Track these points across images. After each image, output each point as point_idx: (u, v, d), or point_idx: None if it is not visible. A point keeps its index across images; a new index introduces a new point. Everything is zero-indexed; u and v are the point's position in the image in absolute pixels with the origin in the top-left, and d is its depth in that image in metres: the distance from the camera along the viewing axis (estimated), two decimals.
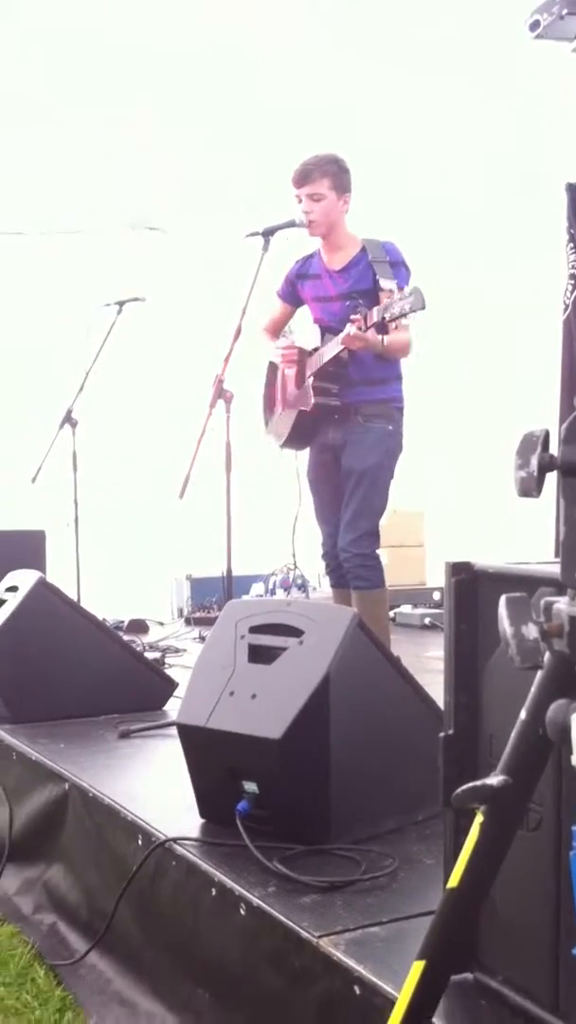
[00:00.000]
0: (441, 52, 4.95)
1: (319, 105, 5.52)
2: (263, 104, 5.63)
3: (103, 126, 5.88)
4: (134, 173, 6.34)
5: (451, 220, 6.28)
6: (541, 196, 5.46)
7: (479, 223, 6.23)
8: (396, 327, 3.69)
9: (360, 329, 3.74)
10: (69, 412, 5.23)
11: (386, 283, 3.85)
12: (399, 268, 3.98)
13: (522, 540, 5.14)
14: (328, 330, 4.07)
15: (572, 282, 5.09)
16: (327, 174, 3.98)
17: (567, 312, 5.17)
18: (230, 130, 5.93)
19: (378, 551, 4.09)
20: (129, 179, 6.42)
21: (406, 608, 6.31)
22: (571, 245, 5.13)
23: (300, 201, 4.01)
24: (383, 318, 3.65)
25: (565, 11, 3.75)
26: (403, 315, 3.60)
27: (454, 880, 1.19)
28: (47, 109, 5.72)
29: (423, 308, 3.55)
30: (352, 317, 3.78)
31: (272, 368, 4.38)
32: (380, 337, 3.73)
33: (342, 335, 3.83)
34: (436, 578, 6.47)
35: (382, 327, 3.69)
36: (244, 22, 4.92)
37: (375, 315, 3.69)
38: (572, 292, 5.09)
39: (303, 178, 3.99)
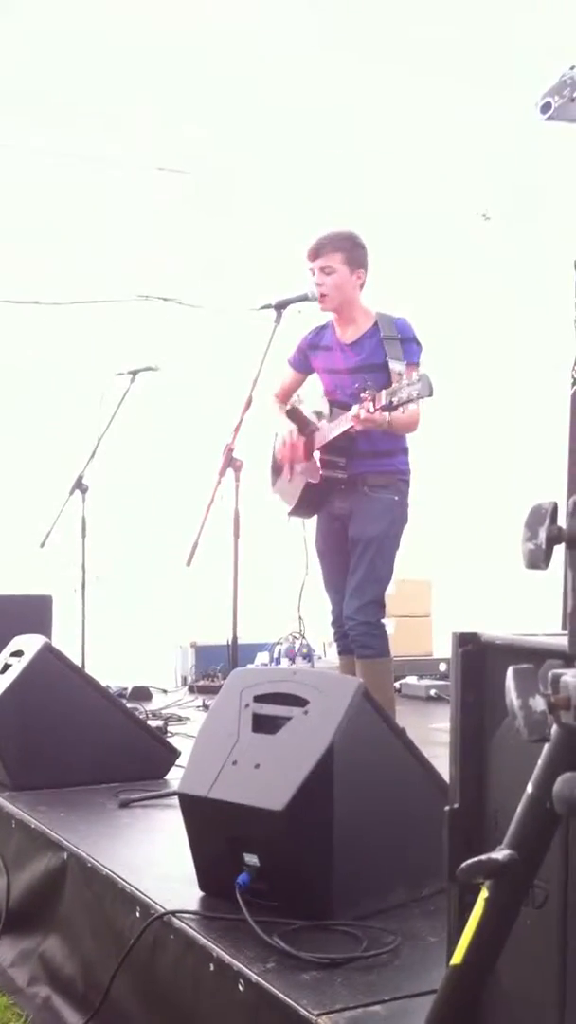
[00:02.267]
0: (452, 119, 5.07)
1: (332, 176, 5.63)
2: (283, 178, 5.75)
3: (120, 194, 6.00)
4: (149, 243, 6.46)
5: (464, 291, 6.37)
6: (550, 272, 5.54)
7: (489, 293, 6.31)
8: (404, 409, 3.73)
9: (368, 411, 3.78)
10: (80, 478, 5.27)
11: (395, 364, 3.89)
12: (410, 345, 4.03)
13: (529, 611, 5.11)
14: (336, 403, 4.10)
15: None
16: (340, 249, 4.04)
17: (575, 386, 5.20)
18: (245, 203, 6.05)
19: (384, 620, 4.08)
20: (143, 249, 6.53)
21: (412, 679, 6.27)
22: None
23: (313, 274, 4.07)
24: (391, 401, 3.69)
25: None
26: (410, 400, 3.65)
27: (458, 957, 1.17)
28: (67, 178, 5.85)
29: (430, 395, 3.60)
30: (361, 396, 3.82)
31: (278, 436, 4.41)
32: (387, 416, 3.77)
33: (350, 414, 3.87)
34: (442, 649, 6.45)
35: (390, 408, 3.73)
36: (258, 83, 5.04)
37: (383, 398, 3.73)
38: None
39: (316, 252, 4.06)
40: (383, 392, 3.74)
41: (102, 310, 7.01)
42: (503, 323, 6.29)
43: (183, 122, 5.50)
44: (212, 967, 2.05)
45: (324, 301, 4.08)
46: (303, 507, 4.25)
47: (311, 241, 4.08)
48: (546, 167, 5.28)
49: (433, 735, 4.15)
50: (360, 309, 4.14)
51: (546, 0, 4.40)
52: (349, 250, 4.06)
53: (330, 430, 4.05)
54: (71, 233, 6.31)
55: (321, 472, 4.07)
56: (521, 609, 5.14)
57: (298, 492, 4.21)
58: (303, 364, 4.30)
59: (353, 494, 4.08)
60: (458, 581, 6.53)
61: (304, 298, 4.09)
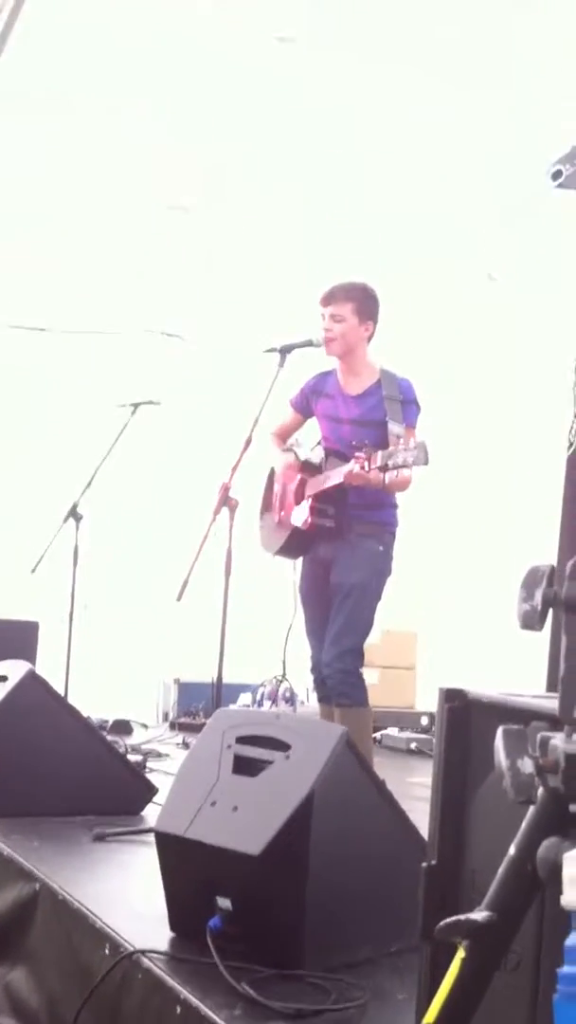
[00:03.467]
0: (462, 182, 5.14)
1: (338, 232, 5.71)
2: (286, 223, 5.82)
3: (130, 229, 6.06)
4: (156, 278, 6.52)
5: (463, 353, 6.43)
6: (553, 335, 5.60)
7: (491, 353, 6.37)
8: (398, 473, 3.76)
9: (363, 469, 3.81)
10: (75, 506, 5.28)
11: (394, 427, 3.92)
12: (410, 407, 4.07)
13: (514, 667, 5.12)
14: (333, 452, 4.13)
15: None
16: (352, 299, 4.09)
17: (571, 448, 5.24)
18: (253, 245, 6.11)
19: (362, 669, 4.08)
20: (151, 284, 6.59)
21: (392, 731, 6.25)
22: None
23: (323, 319, 4.11)
24: (386, 464, 3.72)
25: None
26: (405, 466, 3.69)
27: (431, 1016, 1.17)
28: (76, 211, 5.92)
29: (425, 463, 3.64)
30: (356, 455, 3.85)
31: (273, 473, 4.44)
32: (382, 477, 3.80)
33: (345, 469, 3.90)
34: (425, 702, 6.44)
35: (384, 469, 3.76)
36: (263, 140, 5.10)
37: (379, 459, 3.76)
38: None
39: (328, 298, 4.10)
40: (379, 454, 3.77)
41: (107, 341, 7.07)
42: (502, 381, 6.35)
43: (191, 168, 5.58)
44: (179, 1010, 2.03)
45: (330, 346, 4.12)
46: (288, 549, 4.27)
47: (325, 288, 4.12)
48: (554, 231, 5.36)
49: (412, 789, 4.13)
50: (365, 361, 4.17)
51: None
52: (361, 300, 4.10)
53: (324, 479, 4.08)
54: (80, 264, 6.37)
55: (310, 519, 4.09)
56: (507, 665, 5.15)
57: (285, 535, 4.23)
58: (305, 407, 4.34)
59: (338, 541, 4.10)
60: (444, 634, 6.53)
61: (309, 343, 4.13)
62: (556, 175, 4.01)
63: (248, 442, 4.05)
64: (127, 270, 6.39)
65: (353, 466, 3.85)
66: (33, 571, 5.21)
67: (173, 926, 2.38)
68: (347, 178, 5.47)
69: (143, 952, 2.22)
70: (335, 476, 3.99)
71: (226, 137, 5.32)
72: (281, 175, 5.51)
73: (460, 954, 1.17)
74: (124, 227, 6.05)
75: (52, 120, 5.22)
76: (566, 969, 0.92)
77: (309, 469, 4.23)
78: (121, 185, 5.71)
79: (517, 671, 5.09)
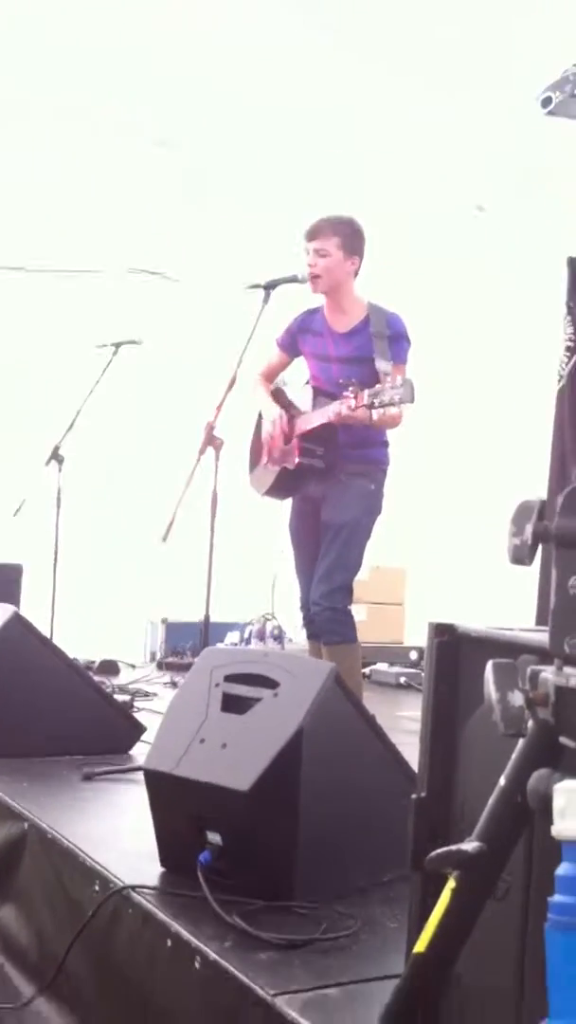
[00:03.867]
0: (450, 111, 5.06)
1: (327, 159, 5.61)
2: (275, 155, 5.72)
3: (111, 165, 5.95)
4: (137, 215, 6.41)
5: (454, 286, 6.37)
6: (543, 267, 5.54)
7: (479, 285, 6.31)
8: (385, 411, 3.73)
9: (349, 408, 3.77)
10: (57, 449, 5.24)
11: (382, 363, 3.87)
12: (400, 342, 4.01)
13: (502, 602, 5.14)
14: (321, 392, 4.09)
15: (568, 354, 5.15)
16: (338, 233, 4.02)
17: (561, 383, 5.22)
18: (242, 179, 6.01)
19: (351, 607, 4.09)
20: (131, 221, 6.48)
21: (382, 666, 6.29)
22: (569, 318, 5.19)
23: (308, 254, 4.05)
24: (372, 402, 3.69)
25: None
26: (391, 404, 3.65)
27: (421, 945, 1.17)
28: (56, 147, 5.80)
29: (411, 402, 3.61)
30: (344, 395, 3.81)
31: (261, 416, 4.39)
32: (369, 414, 3.76)
33: (332, 409, 3.86)
34: (414, 637, 6.47)
35: (370, 407, 3.73)
36: (258, 70, 5.02)
37: (365, 397, 3.72)
38: (568, 364, 5.15)
39: (313, 233, 4.03)
40: (366, 392, 3.73)
41: (88, 281, 6.96)
42: (491, 315, 6.30)
43: (179, 104, 5.46)
44: (169, 943, 2.05)
45: (315, 283, 4.06)
46: (277, 490, 4.24)
47: (310, 222, 4.05)
48: (543, 160, 5.28)
49: (401, 723, 4.16)
50: (352, 297, 4.12)
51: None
52: (347, 235, 4.04)
53: (311, 419, 4.04)
54: (61, 202, 6.25)
55: (298, 459, 4.06)
56: (495, 600, 5.17)
57: (274, 475, 4.20)
58: (291, 346, 4.29)
59: (329, 479, 4.07)
60: (432, 570, 6.55)
61: (294, 279, 4.07)
62: (546, 102, 3.95)
63: (233, 381, 4.01)
64: (108, 206, 6.28)
65: (340, 406, 3.81)
66: (15, 514, 5.19)
67: (163, 862, 2.40)
68: (334, 112, 5.37)
69: (133, 887, 2.24)
70: (322, 415, 3.96)
71: (210, 73, 5.20)
72: (265, 110, 5.39)
73: (451, 884, 1.17)
74: (105, 162, 5.93)
75: (32, 49, 5.09)
76: (557, 898, 0.92)
77: (297, 409, 4.19)
78: (104, 119, 5.59)
79: (506, 606, 5.11)
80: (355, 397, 3.76)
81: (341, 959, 1.95)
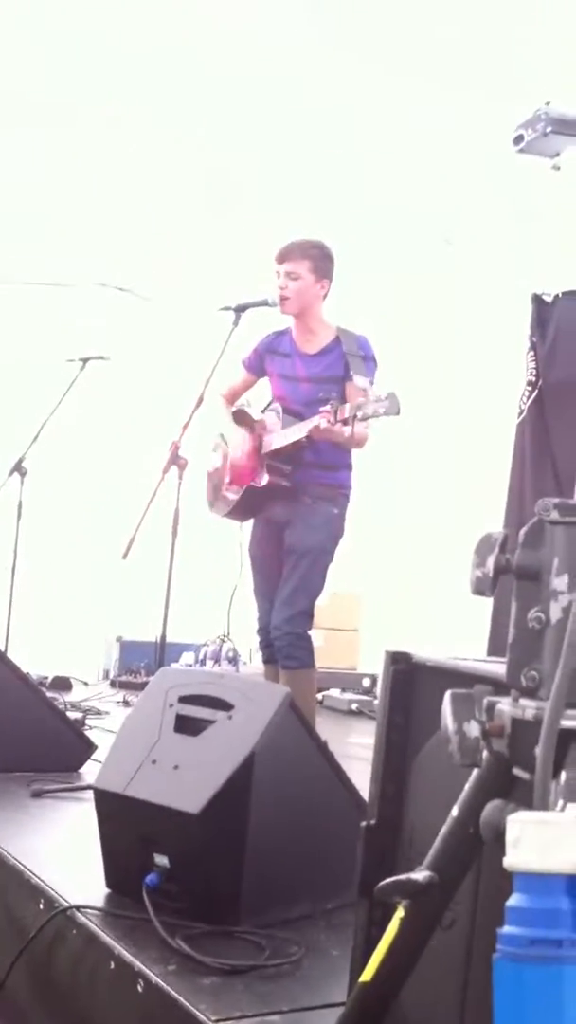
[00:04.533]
0: (423, 144, 5.11)
1: (303, 183, 5.65)
2: (245, 175, 5.76)
3: (86, 180, 5.95)
4: (112, 231, 6.41)
5: (421, 316, 6.42)
6: (509, 302, 5.61)
7: (447, 321, 6.37)
8: (367, 426, 3.75)
9: (329, 423, 3.79)
10: (20, 461, 5.21)
11: (360, 380, 3.90)
12: (369, 363, 4.05)
13: (456, 631, 5.17)
14: (289, 411, 4.11)
15: (528, 388, 5.22)
16: (308, 256, 4.05)
17: (521, 416, 5.28)
18: (212, 200, 6.04)
19: (311, 632, 4.09)
20: (106, 237, 6.48)
21: (335, 692, 6.29)
22: (531, 353, 5.26)
23: (278, 277, 4.07)
24: (355, 416, 3.70)
25: (549, 128, 3.89)
26: (375, 416, 3.67)
27: (367, 974, 1.17)
28: (31, 160, 5.79)
29: (397, 414, 3.61)
30: (322, 409, 3.82)
31: (221, 437, 4.39)
32: (345, 430, 3.78)
33: (310, 424, 3.87)
34: (368, 664, 6.48)
35: (353, 420, 3.74)
36: (235, 84, 5.05)
37: (347, 411, 3.74)
38: (528, 398, 5.21)
39: (284, 256, 4.06)
40: (346, 406, 3.75)
41: (57, 294, 6.94)
42: (455, 348, 6.35)
43: (158, 122, 5.49)
44: (112, 965, 2.03)
45: (284, 305, 4.08)
46: (241, 510, 4.24)
47: (280, 245, 4.08)
48: (512, 197, 5.36)
49: (351, 749, 4.16)
50: (320, 320, 4.15)
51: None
52: (317, 259, 4.07)
53: (282, 437, 4.05)
54: (31, 213, 6.24)
55: (267, 477, 4.06)
56: (449, 627, 5.20)
57: (239, 494, 4.20)
58: (257, 367, 4.30)
59: (294, 503, 4.08)
60: (388, 596, 6.57)
61: (264, 303, 4.10)
62: (518, 140, 4.00)
63: (200, 401, 4.02)
64: (79, 221, 6.27)
65: (320, 420, 3.82)
66: None
67: (109, 883, 2.38)
68: (307, 136, 5.41)
69: (78, 908, 2.22)
70: (295, 432, 3.96)
71: (187, 88, 5.23)
72: (240, 128, 5.43)
73: (399, 913, 1.17)
74: (78, 177, 5.93)
75: (8, 62, 5.10)
76: (507, 929, 0.92)
77: (262, 429, 4.20)
78: (82, 131, 5.59)
79: (459, 634, 5.14)
80: (335, 412, 3.78)
81: (284, 986, 1.94)
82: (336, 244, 4.19)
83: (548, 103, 4.18)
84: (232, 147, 5.55)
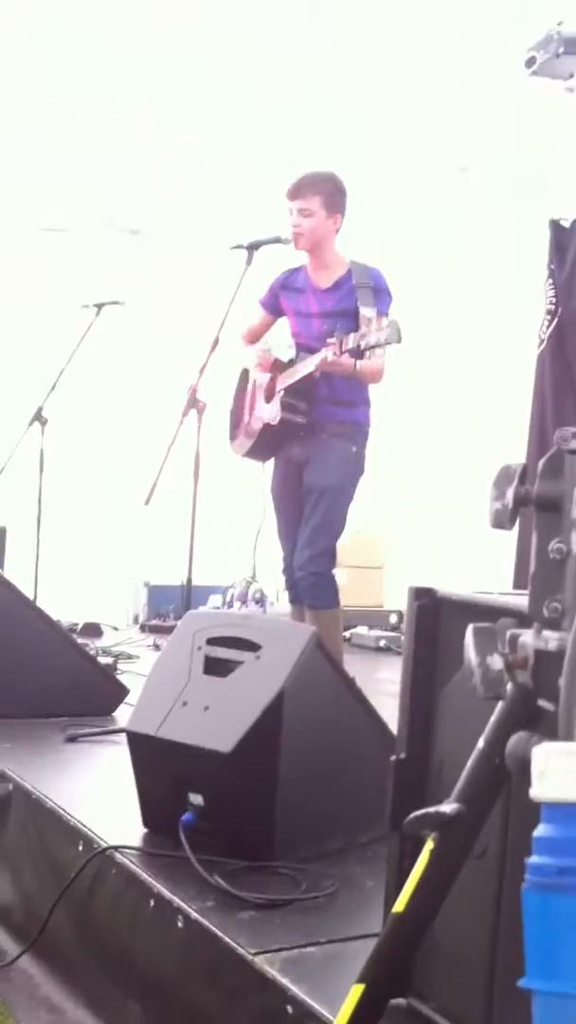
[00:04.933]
0: (434, 71, 5.01)
1: (314, 116, 5.55)
2: (256, 111, 5.66)
3: (96, 126, 5.88)
4: (121, 175, 6.34)
5: (437, 247, 6.33)
6: (526, 229, 5.52)
7: (464, 249, 6.28)
8: (370, 355, 3.71)
9: (335, 354, 3.76)
10: (40, 410, 5.20)
11: (366, 310, 3.86)
12: (382, 295, 4.00)
13: (481, 566, 5.16)
14: (304, 347, 4.08)
15: (548, 317, 5.14)
16: (320, 192, 3.99)
17: (542, 346, 5.21)
18: (222, 137, 5.95)
19: (334, 571, 4.10)
20: (115, 181, 6.41)
21: (362, 629, 6.31)
22: (550, 281, 5.18)
23: (291, 214, 4.02)
24: (358, 345, 3.67)
25: (562, 50, 3.80)
26: (378, 345, 3.63)
27: (400, 905, 1.19)
28: (42, 106, 5.72)
29: (398, 342, 3.59)
30: (329, 341, 3.80)
31: (244, 376, 4.38)
32: (353, 362, 3.75)
33: (317, 357, 3.85)
34: (394, 601, 6.50)
35: (357, 353, 3.71)
36: (243, 23, 4.95)
37: (351, 341, 3.71)
38: (547, 327, 5.14)
39: (295, 192, 4.00)
40: (351, 336, 3.73)
41: (70, 240, 6.90)
42: (472, 277, 6.27)
43: (159, 52, 5.38)
44: (152, 903, 2.07)
45: (298, 241, 4.03)
46: (258, 449, 4.23)
47: (291, 180, 4.02)
48: (526, 122, 5.24)
49: (380, 685, 4.18)
50: (334, 254, 4.10)
51: None
52: (329, 193, 4.01)
53: (293, 372, 4.02)
54: (41, 160, 6.18)
55: (281, 414, 4.04)
56: (475, 563, 5.19)
57: (256, 433, 4.19)
58: (273, 306, 4.26)
59: (311, 441, 4.06)
60: (413, 533, 6.56)
61: (277, 240, 4.04)
62: (530, 62, 3.91)
63: (216, 342, 3.98)
64: (88, 164, 6.20)
65: (326, 353, 3.80)
66: None
67: (146, 823, 2.42)
68: (318, 67, 5.30)
69: (116, 848, 2.26)
70: (305, 367, 3.94)
71: (191, 29, 5.12)
72: (249, 63, 5.32)
73: (429, 845, 1.18)
74: (86, 117, 5.85)
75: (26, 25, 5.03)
76: (535, 859, 0.93)
77: (280, 367, 4.17)
78: (83, 74, 5.50)
79: (485, 569, 5.13)
80: (340, 344, 3.75)
81: (320, 918, 1.98)
82: (349, 175, 4.12)
83: (560, 23, 4.08)
84: (240, 79, 5.45)
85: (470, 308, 6.29)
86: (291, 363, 4.12)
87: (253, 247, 4.03)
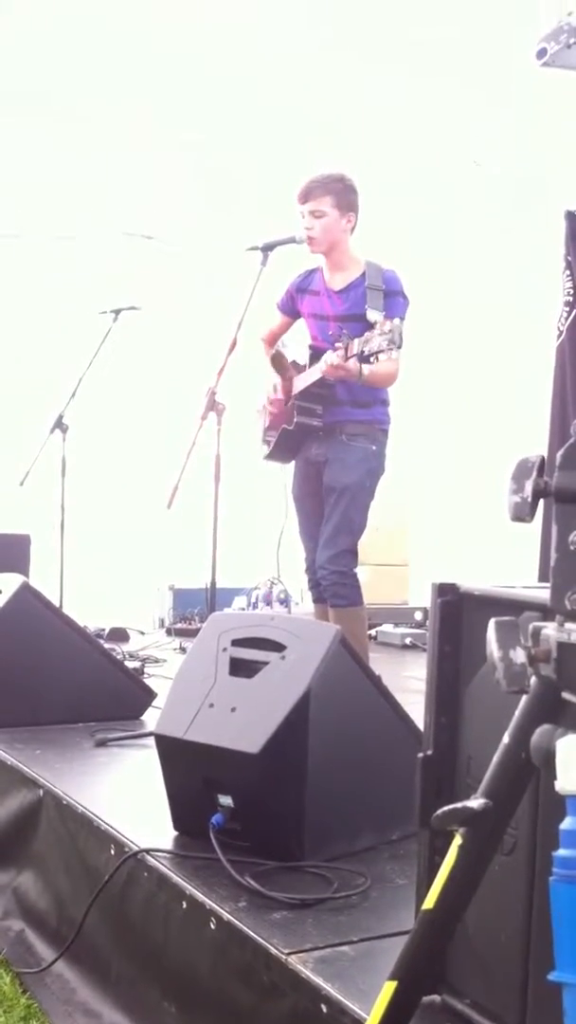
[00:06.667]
0: (445, 66, 4.99)
1: (323, 116, 5.55)
2: (267, 113, 5.66)
3: (106, 130, 5.89)
4: (135, 180, 6.36)
5: (452, 242, 6.32)
6: (541, 221, 5.50)
7: (479, 243, 6.26)
8: (376, 360, 3.70)
9: (340, 359, 3.75)
10: (60, 417, 5.23)
11: (372, 314, 3.84)
12: (396, 298, 3.98)
13: (505, 560, 5.15)
14: (318, 351, 4.08)
15: (567, 309, 5.12)
16: (330, 192, 3.99)
17: (561, 338, 5.20)
18: (234, 140, 5.96)
19: (356, 569, 4.10)
20: (129, 186, 6.43)
21: (387, 627, 6.31)
22: (567, 272, 5.16)
23: (303, 217, 4.02)
24: (362, 351, 3.67)
25: (573, 40, 3.77)
26: (379, 351, 3.62)
27: (430, 902, 1.19)
28: (52, 111, 5.74)
29: (399, 347, 3.58)
30: (336, 345, 3.79)
31: (267, 378, 4.39)
32: (360, 367, 3.74)
33: (322, 363, 3.85)
34: (418, 597, 6.49)
35: (364, 358, 3.71)
36: (247, 25, 4.95)
37: (355, 347, 3.71)
38: (567, 319, 5.12)
39: (306, 194, 4.00)
40: (355, 341, 3.72)
41: (85, 247, 6.92)
42: (490, 271, 6.25)
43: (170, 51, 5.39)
44: (184, 905, 2.08)
45: (312, 244, 4.04)
46: (279, 452, 4.25)
47: (301, 183, 4.02)
48: (539, 114, 5.22)
49: (407, 683, 4.19)
50: (349, 255, 4.09)
51: None
52: (340, 193, 4.00)
53: (306, 377, 4.03)
54: (55, 168, 6.20)
55: (296, 419, 4.06)
56: (498, 558, 5.18)
57: (275, 437, 4.20)
58: (290, 308, 4.27)
59: (330, 441, 4.07)
60: (436, 529, 6.55)
61: (292, 240, 4.04)
62: (541, 53, 3.89)
63: (233, 344, 3.99)
64: (103, 172, 6.22)
65: (332, 358, 3.79)
66: (21, 484, 5.19)
67: (176, 825, 2.42)
68: (328, 67, 5.29)
69: (148, 851, 2.26)
70: (316, 371, 3.95)
71: (203, 32, 5.13)
72: (261, 65, 5.32)
73: (457, 841, 1.18)
74: (102, 126, 5.87)
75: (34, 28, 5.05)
76: (562, 852, 0.93)
77: (296, 369, 4.19)
78: (83, 74, 5.52)
79: (509, 563, 5.12)
80: (345, 349, 3.74)
81: (353, 917, 1.97)
82: (363, 171, 4.11)
83: (570, 14, 4.05)
84: (256, 85, 5.45)
85: (487, 301, 6.27)
86: (304, 366, 4.13)
87: (268, 248, 4.03)
